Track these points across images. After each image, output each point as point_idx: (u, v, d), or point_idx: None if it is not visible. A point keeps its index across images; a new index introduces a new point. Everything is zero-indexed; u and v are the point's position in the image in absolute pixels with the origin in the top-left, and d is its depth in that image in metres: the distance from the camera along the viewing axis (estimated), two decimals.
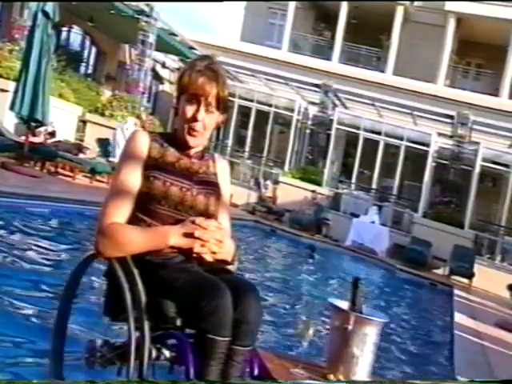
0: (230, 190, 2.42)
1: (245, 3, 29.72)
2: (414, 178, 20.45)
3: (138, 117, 13.10)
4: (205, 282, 1.99)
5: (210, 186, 2.26)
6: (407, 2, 25.63)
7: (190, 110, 2.19)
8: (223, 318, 1.92)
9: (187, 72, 2.21)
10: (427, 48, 24.61)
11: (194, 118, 2.18)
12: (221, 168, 2.37)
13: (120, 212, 2.11)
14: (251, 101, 20.55)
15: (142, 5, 16.10)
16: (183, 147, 2.24)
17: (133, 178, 2.14)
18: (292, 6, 26.64)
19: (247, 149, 20.84)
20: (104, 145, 12.96)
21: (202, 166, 2.27)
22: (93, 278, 3.68)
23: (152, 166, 2.16)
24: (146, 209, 2.14)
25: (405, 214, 18.22)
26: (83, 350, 2.17)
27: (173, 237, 2.07)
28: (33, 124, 9.84)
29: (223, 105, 2.23)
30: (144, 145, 2.19)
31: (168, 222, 2.13)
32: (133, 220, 2.13)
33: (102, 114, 14.93)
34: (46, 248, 5.72)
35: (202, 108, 2.18)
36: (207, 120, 2.20)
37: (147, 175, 2.15)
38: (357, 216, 17.00)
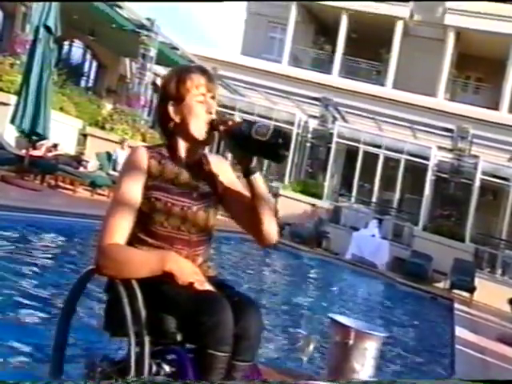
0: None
1: (245, 16, 29.91)
2: (414, 192, 20.46)
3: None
4: (205, 297, 1.99)
5: (208, 197, 2.24)
6: (408, 10, 25.70)
7: (201, 109, 2.18)
8: (224, 333, 1.91)
9: (179, 78, 2.18)
10: (427, 62, 24.73)
11: (210, 113, 2.19)
12: (216, 165, 2.32)
13: (120, 232, 2.09)
14: (251, 114, 20.61)
15: (142, 19, 16.20)
16: (181, 157, 2.22)
17: (133, 196, 2.12)
18: (292, 19, 26.79)
19: None
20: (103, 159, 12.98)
21: (199, 175, 2.24)
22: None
23: (152, 186, 2.14)
24: (148, 230, 2.13)
25: (405, 227, 18.19)
26: (83, 365, 2.16)
27: (169, 263, 2.04)
28: (34, 138, 9.85)
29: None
30: (143, 163, 2.16)
31: (169, 242, 2.13)
32: (135, 241, 2.13)
33: (103, 128, 14.94)
34: (46, 261, 5.71)
35: (210, 100, 2.20)
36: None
37: (148, 196, 2.13)
38: (357, 229, 16.98)
